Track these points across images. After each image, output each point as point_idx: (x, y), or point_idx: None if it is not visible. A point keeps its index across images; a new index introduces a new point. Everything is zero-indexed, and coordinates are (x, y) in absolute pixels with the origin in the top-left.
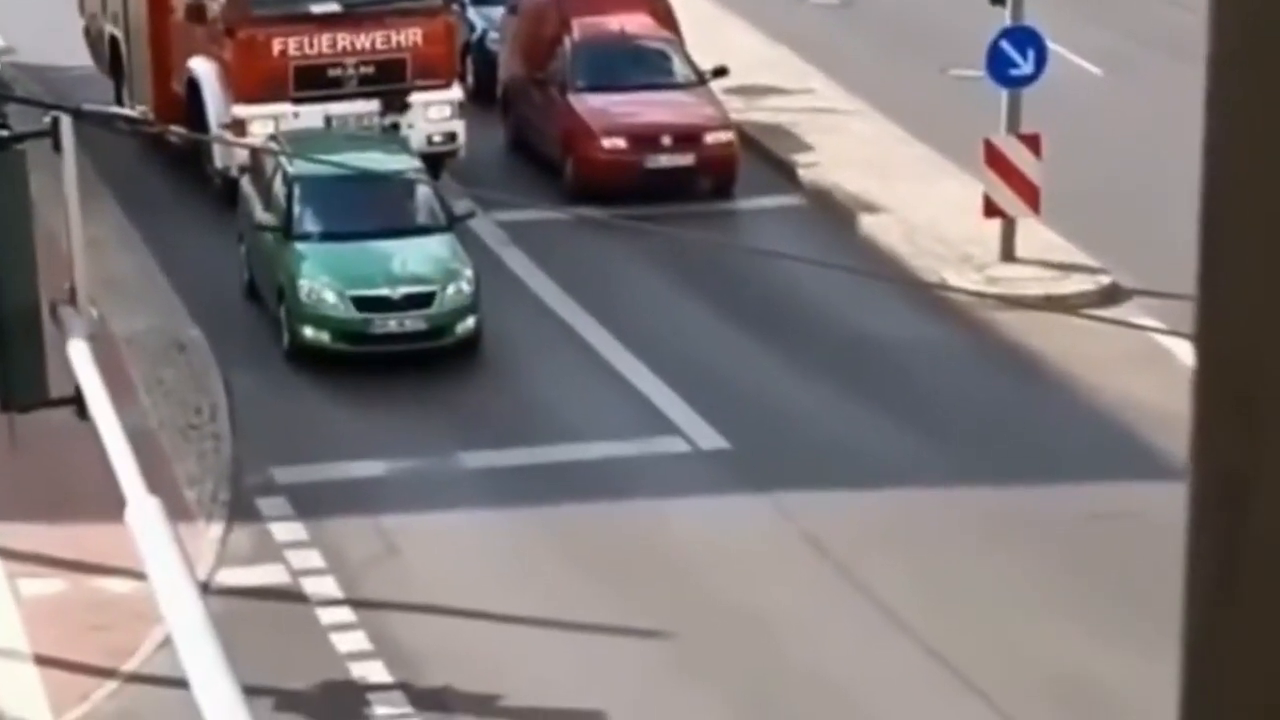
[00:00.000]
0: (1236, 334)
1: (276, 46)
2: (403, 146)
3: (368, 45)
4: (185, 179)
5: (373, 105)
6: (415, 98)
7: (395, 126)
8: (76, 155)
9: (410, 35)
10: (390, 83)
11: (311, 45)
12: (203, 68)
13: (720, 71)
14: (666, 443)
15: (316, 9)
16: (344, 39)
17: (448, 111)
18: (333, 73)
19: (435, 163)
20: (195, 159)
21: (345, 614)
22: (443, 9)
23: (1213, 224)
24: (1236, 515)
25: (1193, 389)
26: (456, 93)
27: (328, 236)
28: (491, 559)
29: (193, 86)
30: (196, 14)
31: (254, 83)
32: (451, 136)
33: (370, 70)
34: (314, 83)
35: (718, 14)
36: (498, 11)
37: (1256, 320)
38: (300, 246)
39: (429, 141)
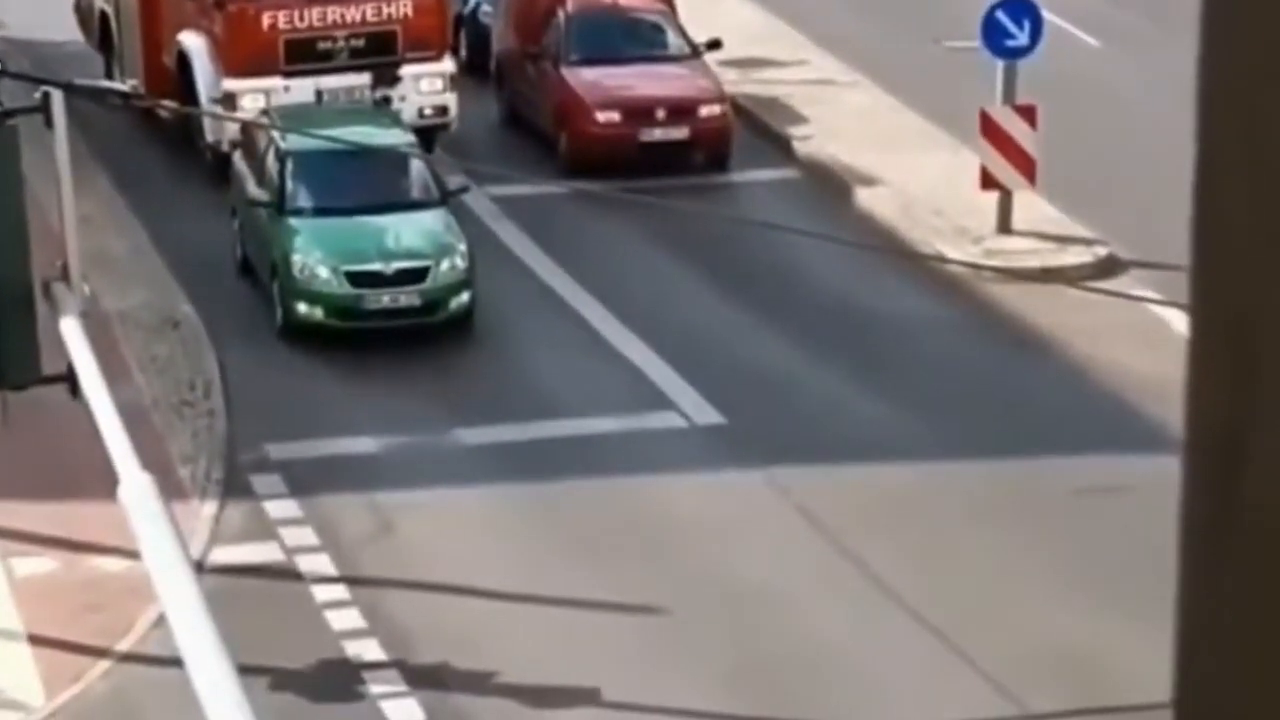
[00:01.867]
0: (1231, 296)
1: (266, 20)
2: (396, 121)
3: (358, 18)
4: (177, 154)
5: (363, 78)
6: (406, 70)
7: (386, 100)
8: (68, 131)
9: (401, 7)
10: (381, 55)
11: (301, 18)
12: (193, 42)
13: (714, 44)
14: (661, 418)
15: None
16: (334, 12)
17: (439, 84)
18: (323, 46)
19: (427, 136)
20: (186, 134)
21: (340, 591)
22: None
23: (1206, 189)
24: (1231, 474)
25: (1188, 350)
26: (448, 65)
27: (321, 211)
28: (486, 536)
29: (183, 61)
30: None
31: (244, 56)
32: (443, 110)
33: (361, 43)
34: (304, 56)
35: None
36: None
37: (1251, 283)
38: (293, 222)
39: (420, 114)
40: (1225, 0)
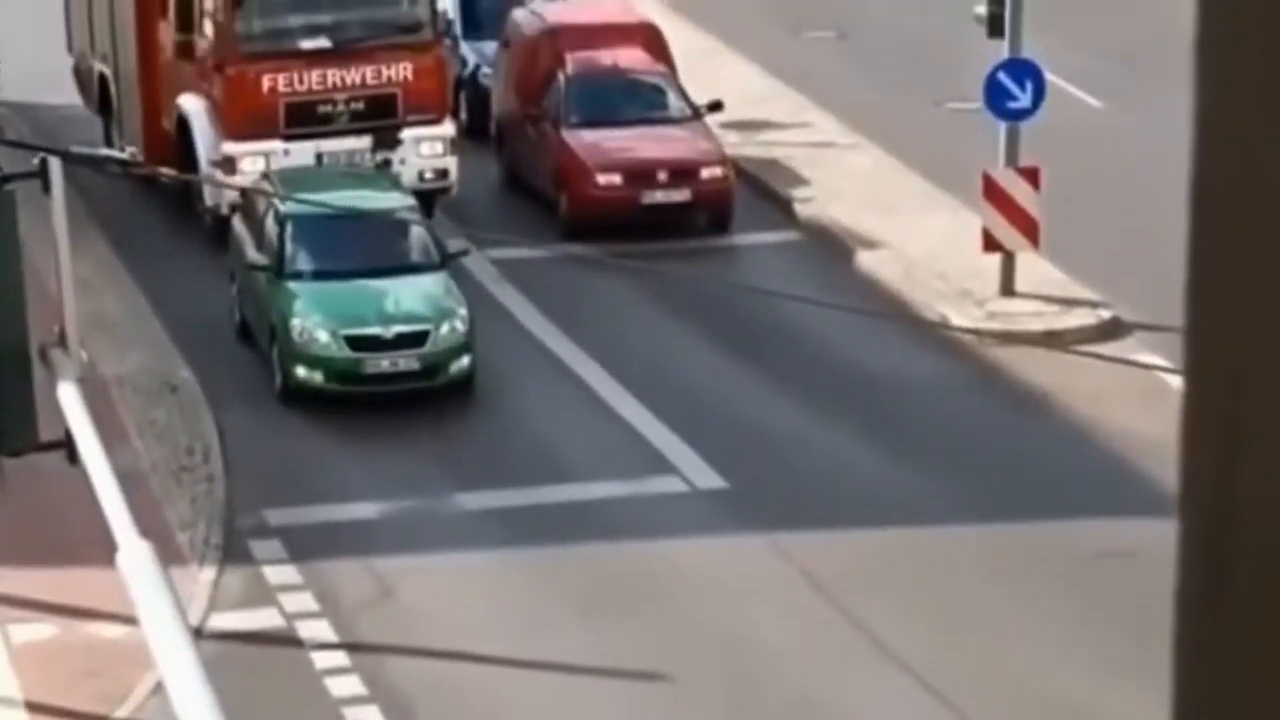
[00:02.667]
0: (1224, 355)
1: (266, 83)
2: (395, 184)
3: (358, 81)
4: (176, 218)
5: (364, 142)
6: (407, 134)
7: (387, 163)
8: (66, 194)
9: (401, 70)
10: (381, 119)
11: (301, 81)
12: (192, 105)
13: (715, 106)
14: (663, 482)
15: (306, 45)
16: (334, 74)
17: (440, 148)
18: (323, 109)
19: (427, 200)
20: (186, 197)
21: (340, 658)
22: (434, 43)
23: (1200, 249)
24: (1224, 543)
25: (1181, 415)
26: (449, 128)
27: (320, 275)
28: (488, 601)
29: (182, 124)
30: (185, 51)
31: (244, 120)
32: (444, 173)
33: (361, 106)
34: (304, 119)
35: (712, 47)
36: (490, 46)
37: (1244, 339)
38: (292, 285)
39: (421, 178)
40: (1219, 63)
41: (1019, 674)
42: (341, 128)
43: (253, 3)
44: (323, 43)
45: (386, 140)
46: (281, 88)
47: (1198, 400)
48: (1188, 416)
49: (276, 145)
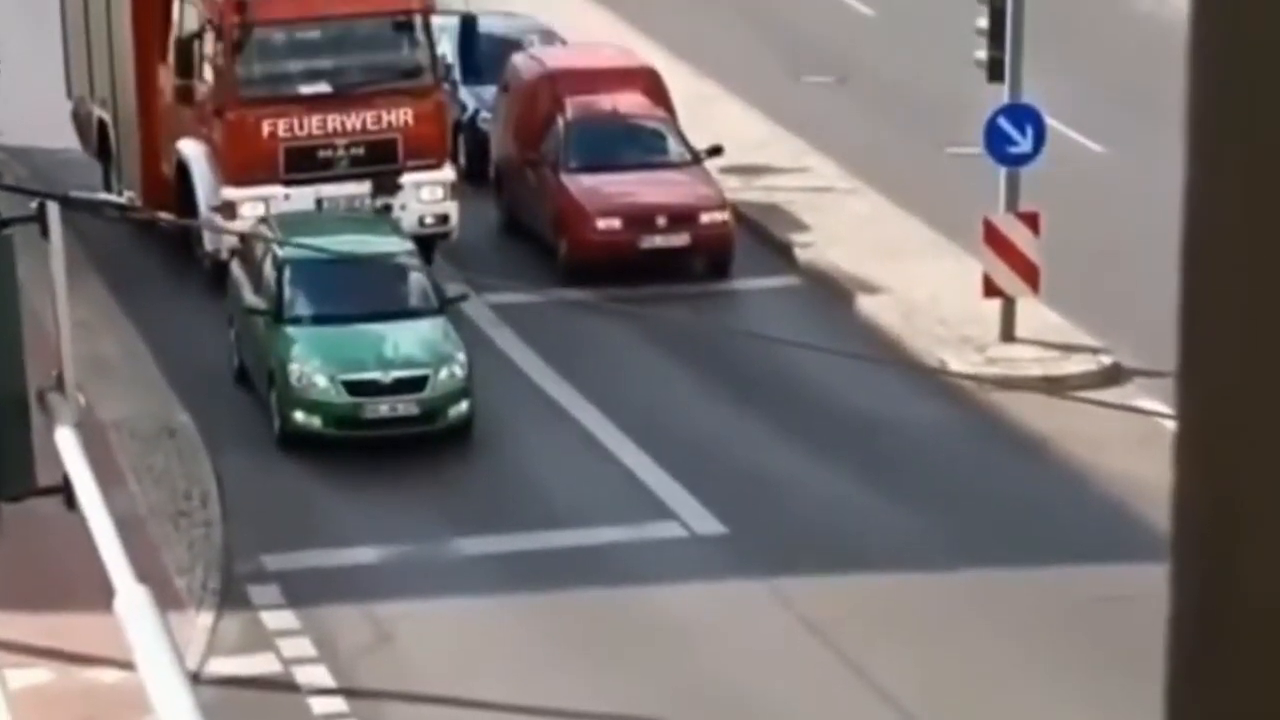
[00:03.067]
0: (1215, 403)
1: (266, 128)
2: (394, 228)
3: (358, 126)
4: (174, 262)
5: (364, 187)
6: (407, 178)
7: (387, 208)
8: (65, 238)
9: (401, 115)
10: (382, 163)
11: (301, 126)
12: (192, 150)
13: (715, 150)
14: (662, 528)
15: (306, 90)
16: (334, 120)
17: (440, 193)
18: (323, 154)
19: (427, 245)
20: (185, 243)
21: (338, 703)
22: (434, 88)
23: (1192, 307)
24: (1218, 573)
25: (1173, 450)
26: (449, 173)
27: (318, 320)
28: (486, 646)
29: (182, 169)
30: (185, 95)
31: (244, 164)
32: (444, 218)
33: (361, 151)
34: (304, 164)
35: (712, 92)
36: (490, 90)
37: (1234, 388)
38: (290, 330)
39: (421, 223)
40: (1211, 113)
41: (1019, 719)
42: (341, 173)
43: (253, 48)
44: (323, 88)
45: (387, 185)
46: (282, 133)
47: (1191, 441)
48: (1181, 458)
49: (276, 190)
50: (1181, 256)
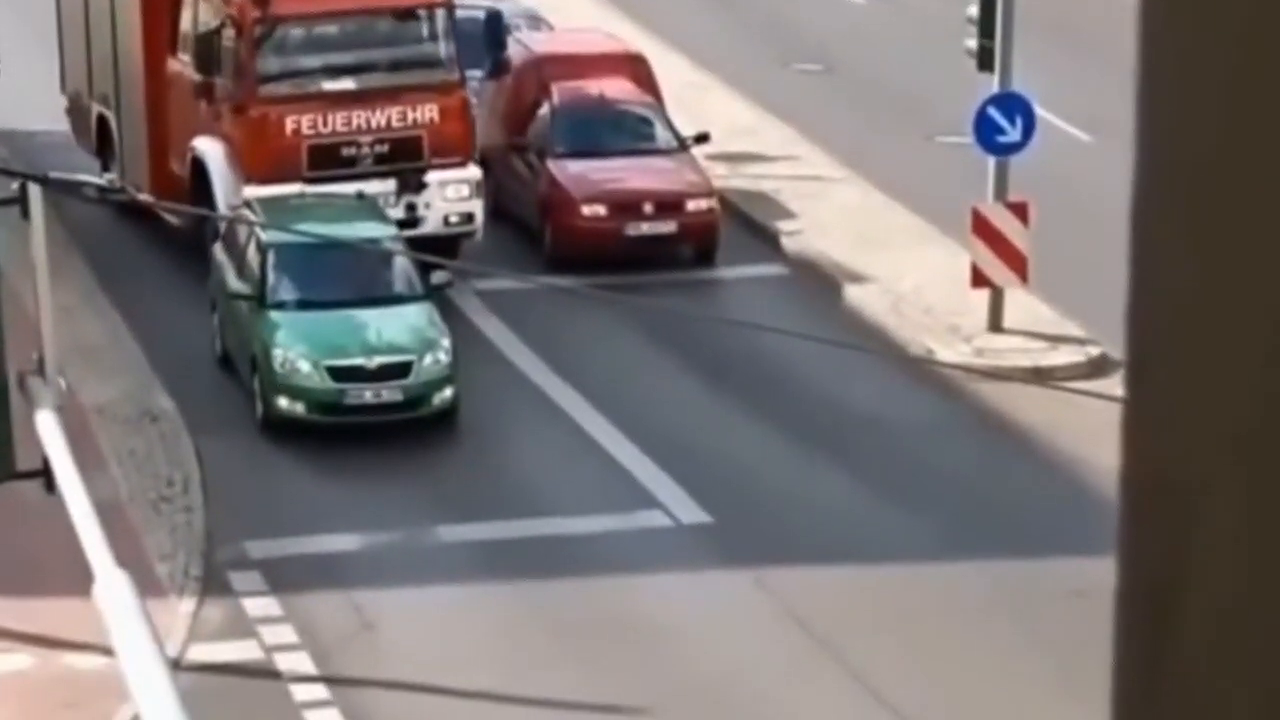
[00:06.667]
0: (1165, 434)
1: (289, 125)
2: (379, 214)
3: (383, 123)
4: (157, 244)
5: (388, 185)
6: (432, 176)
7: (412, 207)
8: (47, 220)
9: (426, 112)
10: (406, 161)
11: (325, 123)
12: (209, 148)
13: (702, 138)
14: (647, 516)
15: (329, 86)
16: (358, 116)
17: (465, 191)
18: (347, 151)
19: (451, 244)
20: (198, 241)
21: (319, 691)
22: (459, 84)
23: (1140, 318)
24: (1163, 622)
25: (1120, 490)
26: (474, 171)
27: (302, 305)
28: (468, 635)
29: (197, 167)
30: (205, 92)
31: (266, 163)
32: (469, 217)
33: (385, 149)
34: (328, 162)
35: (700, 80)
36: (475, 76)
37: (1185, 420)
38: (274, 315)
39: (446, 222)
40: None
41: (1008, 712)
42: (365, 170)
43: (274, 43)
44: (347, 84)
45: (411, 183)
46: (305, 130)
47: (1137, 477)
48: (1127, 496)
49: (299, 189)
50: (1130, 234)
